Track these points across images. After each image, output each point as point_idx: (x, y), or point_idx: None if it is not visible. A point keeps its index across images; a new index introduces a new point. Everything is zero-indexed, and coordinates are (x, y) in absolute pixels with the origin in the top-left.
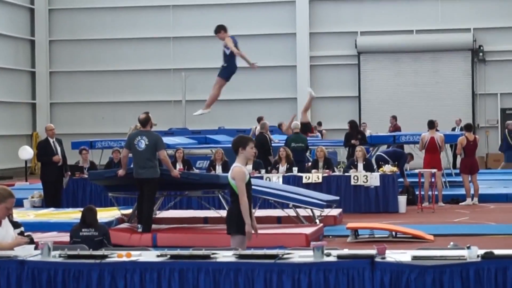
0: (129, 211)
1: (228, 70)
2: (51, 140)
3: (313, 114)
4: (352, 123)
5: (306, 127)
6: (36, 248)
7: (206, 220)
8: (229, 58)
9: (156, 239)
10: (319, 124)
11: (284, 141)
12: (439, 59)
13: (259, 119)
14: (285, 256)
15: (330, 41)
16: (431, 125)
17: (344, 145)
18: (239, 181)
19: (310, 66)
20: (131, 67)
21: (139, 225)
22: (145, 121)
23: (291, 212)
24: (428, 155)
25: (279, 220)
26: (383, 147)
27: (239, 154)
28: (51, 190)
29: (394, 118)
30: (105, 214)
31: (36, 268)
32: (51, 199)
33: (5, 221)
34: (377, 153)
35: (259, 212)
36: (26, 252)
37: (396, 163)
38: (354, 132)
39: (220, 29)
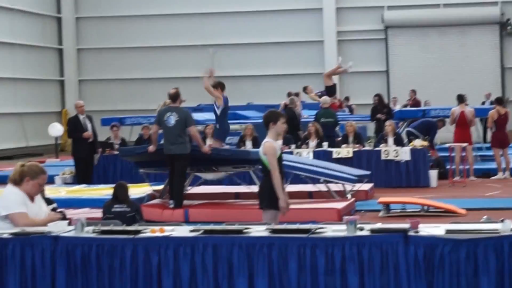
0: (160, 187)
1: (222, 132)
2: (81, 117)
3: (341, 89)
4: (378, 97)
5: (332, 90)
6: (69, 224)
7: (237, 195)
8: (221, 119)
9: (188, 215)
10: (347, 99)
11: (313, 116)
12: (467, 33)
13: (289, 94)
14: (318, 230)
15: (357, 16)
16: (461, 99)
17: (370, 119)
18: (270, 156)
19: (337, 41)
20: (159, 43)
21: (171, 201)
22: (175, 96)
23: (322, 187)
24: (459, 130)
25: (310, 195)
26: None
27: (270, 129)
28: (82, 167)
29: (413, 91)
30: (136, 190)
31: (70, 244)
32: (82, 176)
33: (38, 198)
34: (407, 128)
35: (290, 187)
36: (59, 228)
37: (427, 136)
38: (381, 106)
39: (218, 86)
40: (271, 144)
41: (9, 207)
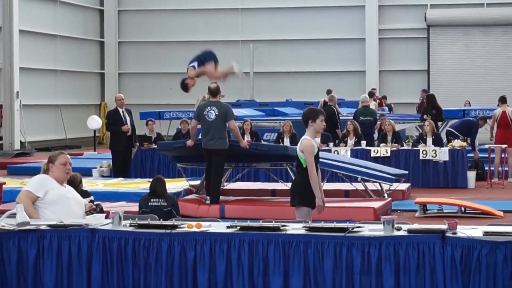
0: (197, 182)
1: None
2: (120, 110)
3: (381, 87)
4: (427, 97)
5: None
6: (106, 217)
7: (274, 192)
8: None
9: (224, 211)
10: (384, 97)
11: (352, 114)
12: (510, 33)
13: (328, 92)
14: (355, 229)
15: (399, 14)
16: (503, 100)
17: (420, 119)
18: (308, 154)
19: (379, 39)
20: (199, 38)
21: (207, 197)
22: (216, 91)
23: (359, 186)
24: (500, 131)
25: (347, 193)
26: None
27: (309, 126)
28: (119, 160)
29: (424, 91)
30: (173, 185)
31: (107, 237)
32: (119, 169)
33: (70, 189)
34: (447, 128)
35: (327, 186)
36: (97, 221)
37: (466, 137)
38: (429, 107)
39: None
40: (309, 142)
41: (26, 185)
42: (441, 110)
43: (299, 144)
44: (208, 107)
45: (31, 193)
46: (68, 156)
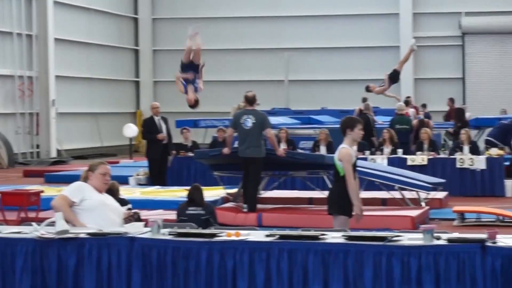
0: (234, 190)
1: None
2: (156, 118)
3: (416, 95)
4: (456, 111)
5: (395, 77)
6: (145, 226)
7: (310, 200)
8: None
9: (261, 219)
10: (424, 106)
11: (387, 122)
12: None
13: (364, 100)
14: (394, 238)
15: (434, 22)
16: None
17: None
18: (346, 163)
19: None
20: (233, 46)
21: (245, 205)
22: (253, 99)
23: (396, 194)
24: None
25: (384, 202)
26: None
27: (347, 135)
28: (156, 168)
29: (451, 100)
30: (210, 193)
31: (146, 245)
32: (156, 177)
33: (108, 197)
34: (486, 137)
35: (364, 194)
36: (136, 229)
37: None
38: (457, 120)
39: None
40: (347, 151)
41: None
42: (467, 124)
43: (336, 152)
44: (245, 116)
45: (67, 197)
46: (109, 166)
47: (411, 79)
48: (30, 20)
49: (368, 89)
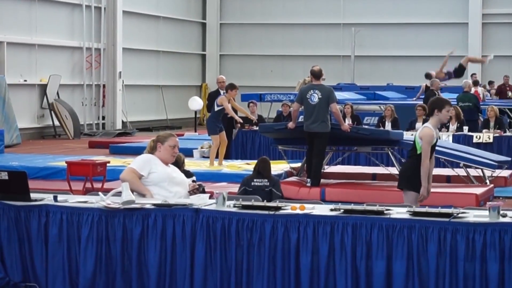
0: (298, 164)
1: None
2: (221, 92)
3: (483, 73)
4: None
5: (460, 72)
6: (210, 198)
7: (374, 176)
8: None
9: (324, 194)
10: (490, 83)
11: (454, 100)
12: None
13: (429, 76)
14: (459, 215)
15: None
16: None
17: None
18: (425, 143)
19: (482, 24)
20: (300, 20)
21: (308, 179)
22: (319, 74)
23: (461, 172)
24: None
25: (448, 179)
26: None
27: (434, 115)
28: None
29: (507, 77)
30: (274, 167)
31: (211, 217)
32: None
33: (175, 169)
34: None
35: None
36: (201, 201)
37: None
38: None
39: (229, 89)
40: (430, 131)
41: (132, 163)
42: None
43: (419, 130)
44: (311, 91)
45: (135, 170)
46: (177, 139)
47: (478, 56)
48: None
49: (429, 77)
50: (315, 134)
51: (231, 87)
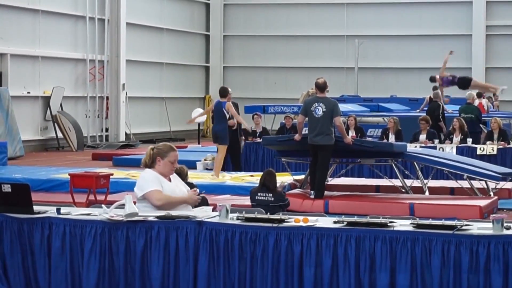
0: (301, 176)
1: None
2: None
3: None
4: None
5: (465, 83)
6: (213, 210)
7: (378, 188)
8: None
9: (328, 206)
10: (494, 95)
11: (457, 112)
12: None
13: (433, 79)
14: (463, 227)
15: (508, 10)
16: None
17: None
18: None
19: (486, 35)
20: (303, 32)
21: (312, 191)
22: (324, 86)
23: (464, 184)
24: None
25: (452, 191)
26: None
27: None
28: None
29: None
30: (277, 179)
31: (214, 229)
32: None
33: (176, 178)
34: None
35: (432, 183)
36: (204, 213)
37: None
38: None
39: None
40: None
41: (143, 186)
42: None
43: None
44: (316, 103)
45: (159, 190)
46: (177, 152)
47: (482, 68)
48: (103, 4)
49: (433, 81)
50: (319, 146)
51: (227, 91)
